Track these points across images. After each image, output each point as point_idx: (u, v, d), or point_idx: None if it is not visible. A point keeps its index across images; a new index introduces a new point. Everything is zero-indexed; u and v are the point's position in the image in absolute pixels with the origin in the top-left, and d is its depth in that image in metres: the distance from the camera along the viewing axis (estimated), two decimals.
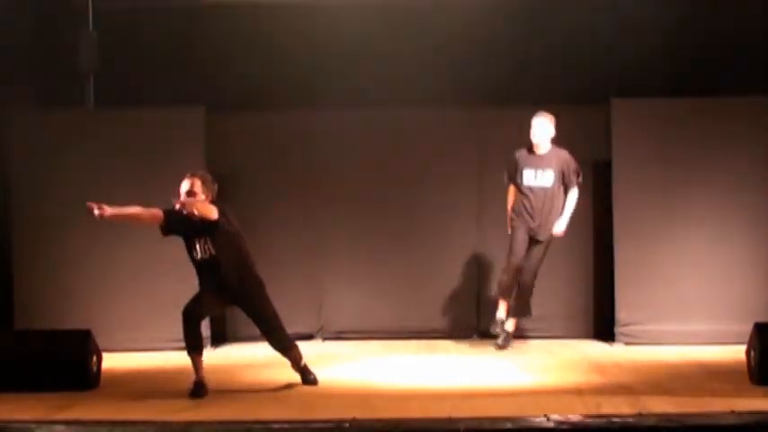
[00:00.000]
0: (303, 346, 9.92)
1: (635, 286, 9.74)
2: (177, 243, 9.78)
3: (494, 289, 9.72)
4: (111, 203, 9.74)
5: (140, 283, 9.82)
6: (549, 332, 10.06)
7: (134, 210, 7.65)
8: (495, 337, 9.57)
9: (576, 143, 10.15)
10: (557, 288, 10.15)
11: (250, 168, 10.36)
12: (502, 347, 9.36)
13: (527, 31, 10.38)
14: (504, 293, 9.34)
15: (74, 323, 9.04)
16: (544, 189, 9.23)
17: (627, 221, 9.75)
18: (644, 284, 9.73)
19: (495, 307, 9.44)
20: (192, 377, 7.70)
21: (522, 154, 9.31)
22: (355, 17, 10.35)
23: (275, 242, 10.33)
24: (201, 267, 7.68)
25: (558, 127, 10.15)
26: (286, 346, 7.90)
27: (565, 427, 6.20)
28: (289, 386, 7.87)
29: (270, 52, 10.43)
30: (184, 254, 9.73)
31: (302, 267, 10.31)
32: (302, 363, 8.01)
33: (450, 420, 6.36)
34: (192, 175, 7.68)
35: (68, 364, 7.71)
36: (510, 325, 9.43)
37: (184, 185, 7.66)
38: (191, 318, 7.63)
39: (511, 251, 9.26)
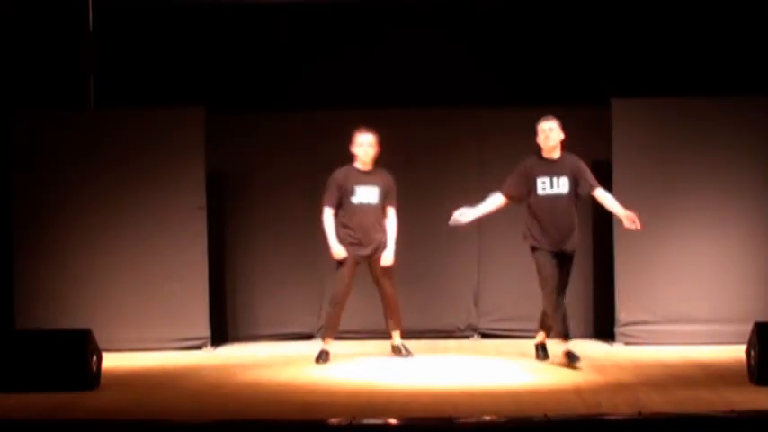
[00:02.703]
0: (303, 346, 10.00)
1: (635, 286, 9.75)
2: (178, 242, 9.84)
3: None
4: (109, 203, 9.84)
5: (141, 283, 9.82)
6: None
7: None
8: (494, 336, 9.58)
9: (575, 143, 10.17)
10: None
11: (250, 168, 10.37)
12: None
13: (527, 30, 10.38)
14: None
15: (74, 323, 9.05)
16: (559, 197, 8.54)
17: None
18: (644, 284, 9.74)
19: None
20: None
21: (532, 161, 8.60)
22: (355, 17, 10.36)
23: (275, 242, 10.34)
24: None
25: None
26: (397, 309, 9.08)
27: (565, 427, 6.20)
28: (289, 386, 7.87)
29: (270, 52, 10.43)
30: (184, 254, 9.79)
31: (302, 267, 10.32)
32: (399, 332, 9.11)
33: (450, 420, 6.36)
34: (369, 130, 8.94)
35: (68, 364, 7.70)
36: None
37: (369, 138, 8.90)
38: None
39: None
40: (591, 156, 10.10)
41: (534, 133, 8.62)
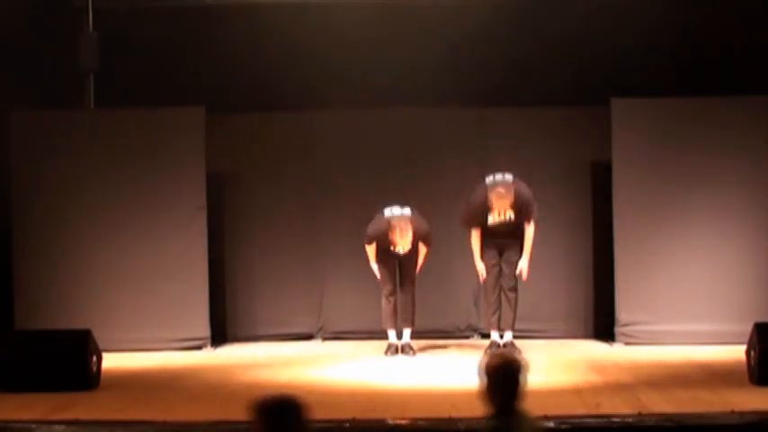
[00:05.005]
0: (303, 346, 10.00)
1: (635, 286, 9.74)
2: (178, 242, 9.84)
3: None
4: (109, 203, 9.84)
5: (141, 284, 9.81)
6: (549, 332, 10.06)
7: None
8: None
9: (575, 143, 10.18)
10: (557, 288, 10.15)
11: (250, 168, 10.37)
12: None
13: (527, 31, 10.36)
14: None
15: (74, 323, 9.04)
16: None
17: (627, 222, 9.74)
18: (644, 284, 9.73)
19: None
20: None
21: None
22: (355, 17, 10.34)
23: (275, 242, 10.33)
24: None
25: (558, 127, 10.17)
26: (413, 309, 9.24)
27: (565, 427, 6.19)
28: (288, 386, 7.86)
29: (270, 52, 10.42)
30: (184, 254, 9.79)
31: (302, 267, 10.32)
32: (410, 331, 9.21)
33: (450, 420, 6.35)
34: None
35: (68, 364, 7.70)
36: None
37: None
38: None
39: None
40: (591, 156, 10.13)
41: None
